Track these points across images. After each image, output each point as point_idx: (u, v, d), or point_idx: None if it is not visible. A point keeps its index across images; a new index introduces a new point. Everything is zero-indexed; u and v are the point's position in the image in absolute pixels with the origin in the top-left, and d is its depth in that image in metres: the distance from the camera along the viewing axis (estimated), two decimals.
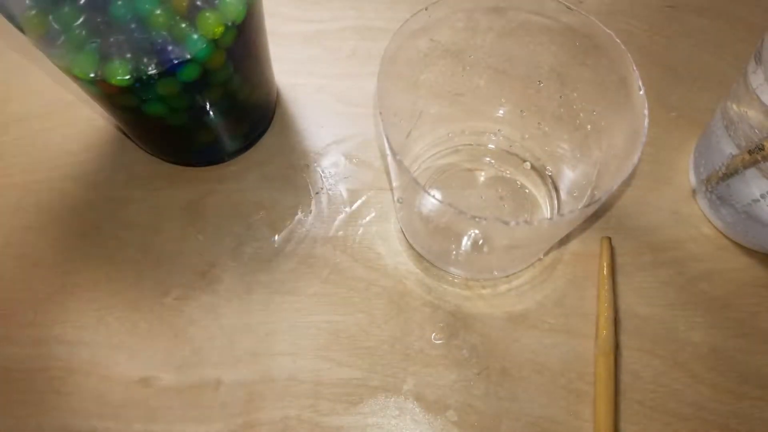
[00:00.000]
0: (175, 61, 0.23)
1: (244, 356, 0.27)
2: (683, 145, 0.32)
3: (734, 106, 0.26)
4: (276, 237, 0.30)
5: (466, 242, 0.26)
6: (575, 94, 0.26)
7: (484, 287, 0.28)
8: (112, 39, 0.22)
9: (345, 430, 0.25)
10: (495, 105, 0.30)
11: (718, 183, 0.28)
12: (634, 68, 0.22)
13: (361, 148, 0.32)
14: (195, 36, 0.23)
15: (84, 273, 0.29)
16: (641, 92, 0.21)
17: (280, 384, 0.26)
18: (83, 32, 0.22)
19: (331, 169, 0.32)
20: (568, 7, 0.23)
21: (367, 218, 0.30)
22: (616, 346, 0.26)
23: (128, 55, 0.23)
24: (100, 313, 0.28)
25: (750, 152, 0.25)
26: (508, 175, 0.30)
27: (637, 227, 0.30)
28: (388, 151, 0.22)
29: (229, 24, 0.24)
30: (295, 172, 0.31)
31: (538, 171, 0.30)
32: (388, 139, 0.21)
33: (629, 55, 0.22)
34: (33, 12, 0.22)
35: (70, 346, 0.27)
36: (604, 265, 0.28)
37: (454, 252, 0.27)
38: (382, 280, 0.28)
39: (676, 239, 0.29)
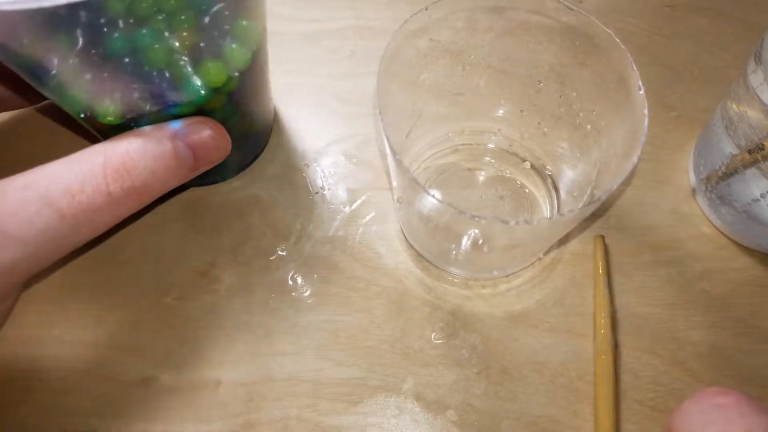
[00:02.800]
0: (171, 104, 0.22)
1: (244, 356, 0.27)
2: (683, 144, 0.32)
3: (734, 106, 0.26)
4: (276, 237, 0.30)
5: (465, 242, 0.26)
6: (575, 94, 0.26)
7: (483, 287, 0.28)
8: (105, 74, 0.20)
9: (345, 429, 0.25)
10: (495, 105, 0.30)
11: (718, 182, 0.28)
12: (634, 68, 0.22)
13: (361, 148, 0.32)
14: (196, 82, 0.22)
15: (84, 273, 0.29)
16: (641, 92, 0.21)
17: (280, 384, 0.26)
18: (76, 64, 0.20)
19: (331, 169, 0.31)
20: (568, 7, 0.23)
21: (367, 218, 0.30)
22: (616, 346, 0.26)
23: (121, 96, 0.21)
24: (100, 313, 0.28)
25: (750, 152, 0.25)
26: (508, 175, 0.30)
27: (636, 227, 0.30)
28: (388, 151, 0.22)
29: (235, 75, 0.22)
30: (295, 172, 0.31)
31: (538, 170, 0.30)
32: (388, 138, 0.21)
33: (629, 54, 0.22)
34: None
35: (70, 346, 0.27)
36: (599, 264, 0.28)
37: (454, 252, 0.27)
38: (382, 280, 0.28)
39: (676, 238, 0.29)
